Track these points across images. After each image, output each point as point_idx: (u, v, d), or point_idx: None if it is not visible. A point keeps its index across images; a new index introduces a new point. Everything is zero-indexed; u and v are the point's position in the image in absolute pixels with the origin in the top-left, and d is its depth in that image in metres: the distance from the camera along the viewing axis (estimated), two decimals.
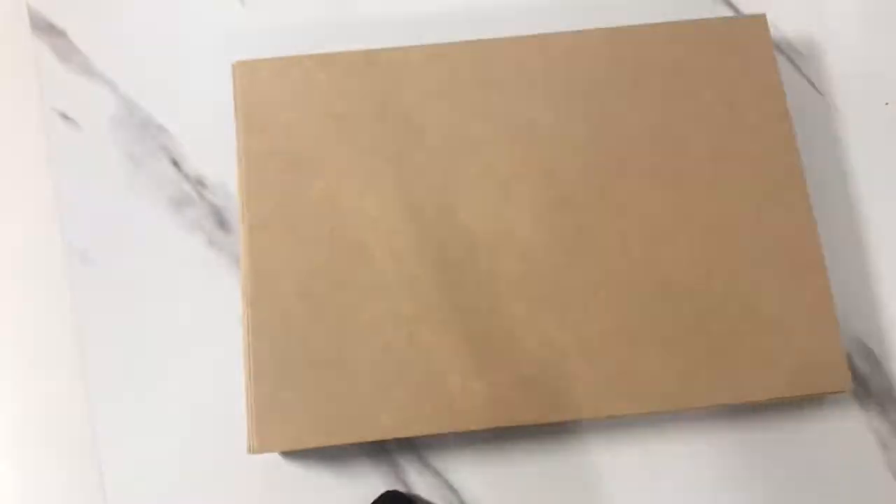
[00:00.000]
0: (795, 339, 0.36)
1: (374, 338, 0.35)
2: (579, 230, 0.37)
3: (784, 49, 0.44)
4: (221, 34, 0.44)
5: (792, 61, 0.43)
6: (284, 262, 0.37)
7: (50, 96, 0.43)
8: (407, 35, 0.39)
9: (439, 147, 0.38)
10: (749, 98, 0.39)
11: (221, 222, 0.41)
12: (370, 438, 0.35)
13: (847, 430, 0.39)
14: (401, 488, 0.37)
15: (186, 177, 0.42)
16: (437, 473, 0.38)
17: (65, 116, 0.42)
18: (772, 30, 0.41)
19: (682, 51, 0.40)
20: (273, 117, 0.38)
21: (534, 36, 0.40)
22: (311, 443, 0.35)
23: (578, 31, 0.40)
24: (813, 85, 0.43)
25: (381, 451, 0.38)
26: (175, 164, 0.42)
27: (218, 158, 0.42)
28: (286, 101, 0.39)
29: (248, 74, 0.39)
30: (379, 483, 0.38)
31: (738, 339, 0.36)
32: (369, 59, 0.39)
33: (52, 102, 0.43)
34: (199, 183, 0.42)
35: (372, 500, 0.36)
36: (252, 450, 0.35)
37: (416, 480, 0.38)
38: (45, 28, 0.44)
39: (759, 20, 0.40)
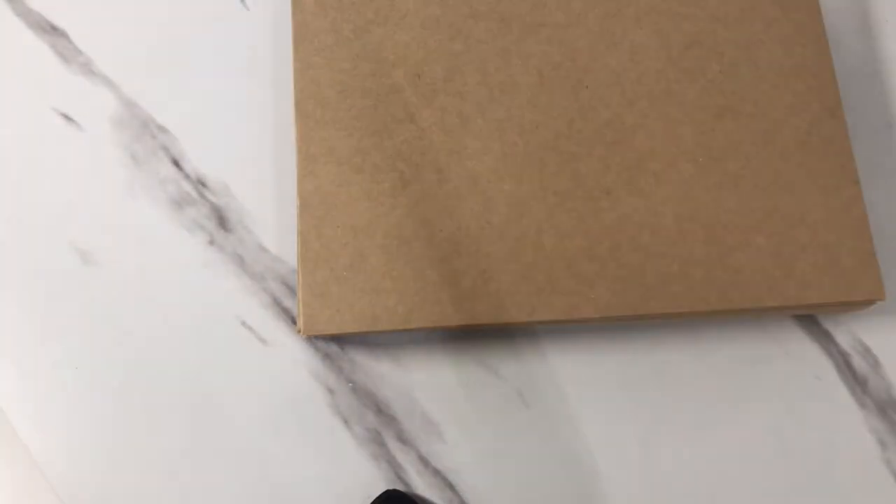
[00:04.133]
0: (827, 244, 0.36)
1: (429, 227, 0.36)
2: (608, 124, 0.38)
3: None
4: (222, 35, 0.44)
5: None
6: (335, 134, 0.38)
7: (51, 97, 0.43)
8: None
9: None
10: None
11: (222, 222, 0.41)
12: (413, 326, 0.35)
13: (846, 429, 0.39)
14: (401, 487, 0.38)
15: (187, 177, 0.42)
16: (436, 472, 0.38)
17: (66, 117, 0.43)
18: None
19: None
20: None
21: None
22: (355, 328, 0.35)
23: None
24: None
25: (381, 449, 0.38)
26: (175, 163, 0.42)
27: (218, 158, 0.42)
28: None
29: None
30: (379, 482, 0.38)
31: (764, 241, 0.36)
32: None
33: (53, 103, 0.43)
34: (199, 183, 0.42)
35: (372, 500, 0.37)
36: (300, 331, 0.35)
37: (416, 480, 0.38)
38: (46, 28, 0.44)
39: None
